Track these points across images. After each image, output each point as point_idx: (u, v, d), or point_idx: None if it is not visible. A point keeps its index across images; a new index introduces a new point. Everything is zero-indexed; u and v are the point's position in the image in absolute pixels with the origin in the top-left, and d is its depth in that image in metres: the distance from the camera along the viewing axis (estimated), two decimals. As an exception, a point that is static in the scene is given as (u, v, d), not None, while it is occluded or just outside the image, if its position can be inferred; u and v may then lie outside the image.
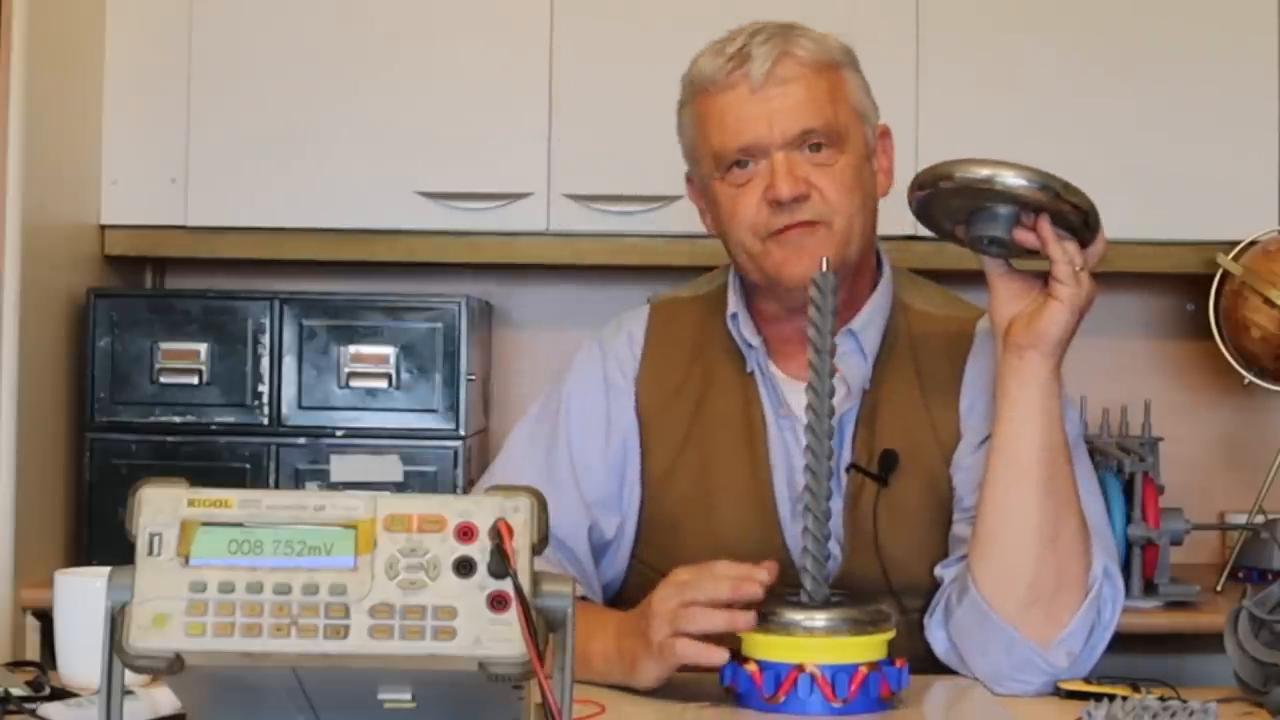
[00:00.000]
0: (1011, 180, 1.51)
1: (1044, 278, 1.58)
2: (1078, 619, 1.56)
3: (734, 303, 1.77)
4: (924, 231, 1.68)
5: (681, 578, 1.52)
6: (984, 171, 1.52)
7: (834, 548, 1.66)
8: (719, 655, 1.48)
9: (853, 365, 1.72)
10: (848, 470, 1.69)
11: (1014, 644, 1.56)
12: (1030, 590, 1.56)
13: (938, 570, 1.66)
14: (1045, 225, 1.54)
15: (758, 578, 1.49)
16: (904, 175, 1.68)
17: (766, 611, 1.47)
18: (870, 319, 1.74)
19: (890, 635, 1.48)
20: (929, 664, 1.64)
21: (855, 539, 1.68)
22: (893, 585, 1.65)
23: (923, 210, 1.62)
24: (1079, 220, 1.54)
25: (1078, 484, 1.60)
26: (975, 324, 1.76)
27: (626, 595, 1.78)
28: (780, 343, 1.76)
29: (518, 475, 1.72)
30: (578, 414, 1.79)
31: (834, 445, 1.67)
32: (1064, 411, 1.61)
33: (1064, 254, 1.54)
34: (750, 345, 1.75)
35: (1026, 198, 1.53)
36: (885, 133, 1.77)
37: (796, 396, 1.68)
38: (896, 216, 1.80)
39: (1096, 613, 1.58)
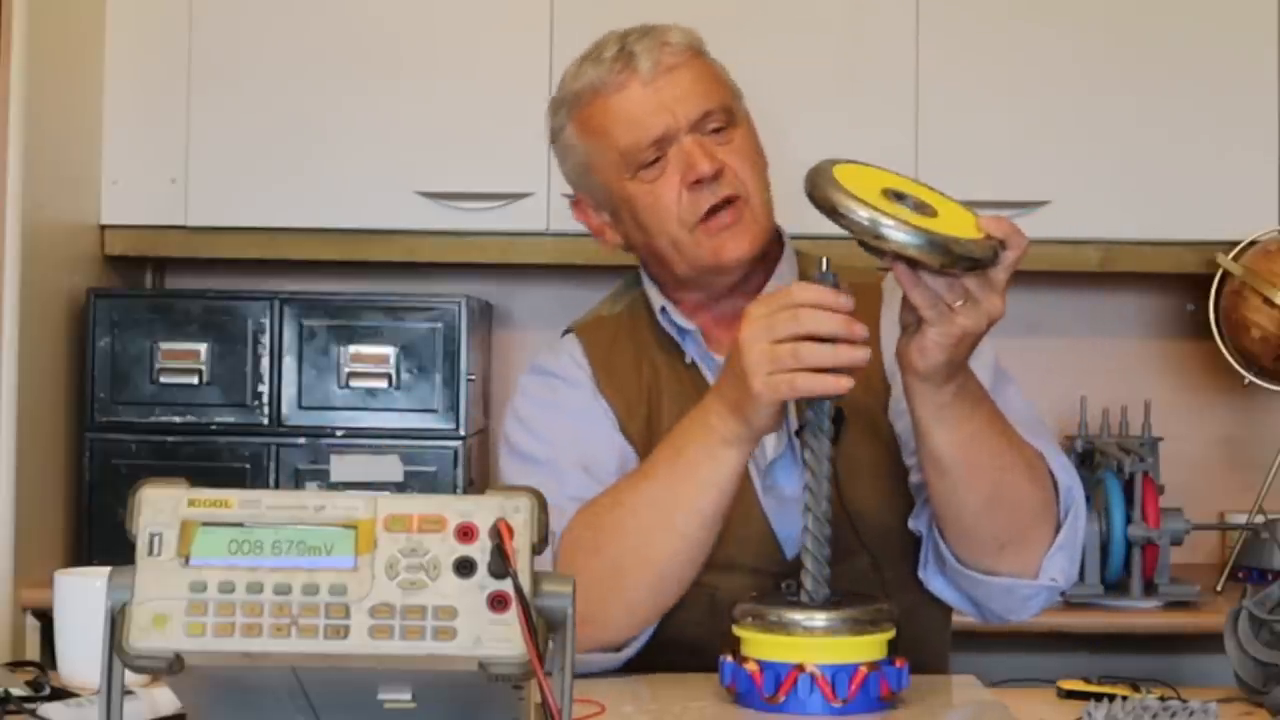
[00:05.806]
0: (893, 235, 1.37)
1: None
2: (1062, 536, 1.58)
3: (658, 298, 1.76)
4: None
5: (759, 311, 1.47)
6: (864, 217, 1.38)
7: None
8: (843, 382, 1.43)
9: None
10: (796, 434, 1.61)
11: (1011, 587, 1.59)
12: (995, 541, 1.57)
13: (911, 523, 1.67)
14: (902, 271, 1.42)
15: (842, 307, 1.44)
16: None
17: (767, 611, 1.47)
18: (781, 284, 1.70)
19: (890, 635, 1.48)
20: (907, 630, 1.58)
21: None
22: (865, 542, 1.65)
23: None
24: (973, 268, 1.40)
25: (1002, 414, 1.55)
26: (883, 279, 1.73)
27: None
28: (710, 328, 1.76)
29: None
30: (568, 407, 1.75)
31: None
32: (976, 353, 1.49)
33: (926, 297, 1.42)
34: (685, 330, 1.74)
35: (908, 258, 1.39)
36: None
37: None
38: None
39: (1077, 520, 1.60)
